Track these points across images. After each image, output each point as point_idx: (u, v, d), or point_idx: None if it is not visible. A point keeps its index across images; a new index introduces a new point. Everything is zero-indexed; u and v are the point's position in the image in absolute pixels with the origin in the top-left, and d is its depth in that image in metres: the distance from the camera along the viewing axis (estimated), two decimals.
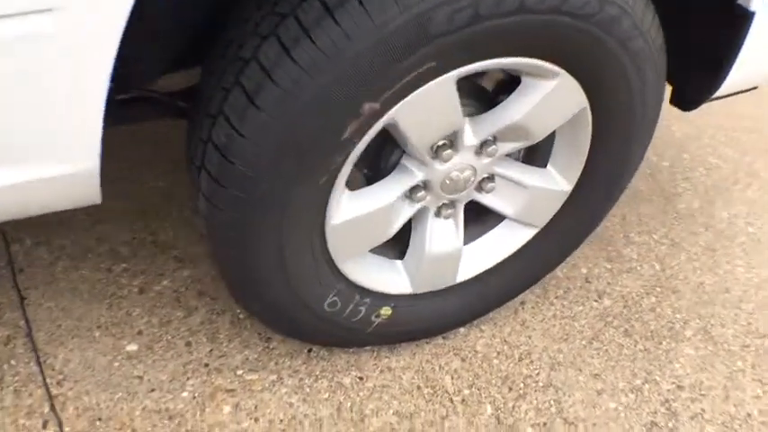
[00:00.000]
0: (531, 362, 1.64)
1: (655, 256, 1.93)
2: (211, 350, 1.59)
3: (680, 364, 1.68)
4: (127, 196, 1.92)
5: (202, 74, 1.22)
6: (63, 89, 0.97)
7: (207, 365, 1.56)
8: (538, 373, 1.62)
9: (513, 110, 1.30)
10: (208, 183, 1.16)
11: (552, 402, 1.57)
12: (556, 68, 1.24)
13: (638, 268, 1.90)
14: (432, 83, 1.14)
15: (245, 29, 1.12)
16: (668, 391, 1.63)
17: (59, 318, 1.63)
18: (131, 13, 0.92)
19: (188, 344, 1.60)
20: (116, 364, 1.55)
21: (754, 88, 1.64)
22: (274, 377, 1.55)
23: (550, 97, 1.29)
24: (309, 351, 1.60)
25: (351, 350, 1.60)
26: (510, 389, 1.59)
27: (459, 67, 1.14)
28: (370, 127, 1.15)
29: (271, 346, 1.60)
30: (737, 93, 1.60)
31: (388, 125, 1.18)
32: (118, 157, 2.02)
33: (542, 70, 1.24)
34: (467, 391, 1.57)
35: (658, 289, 1.85)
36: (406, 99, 1.14)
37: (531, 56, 1.19)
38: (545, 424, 1.53)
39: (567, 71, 1.26)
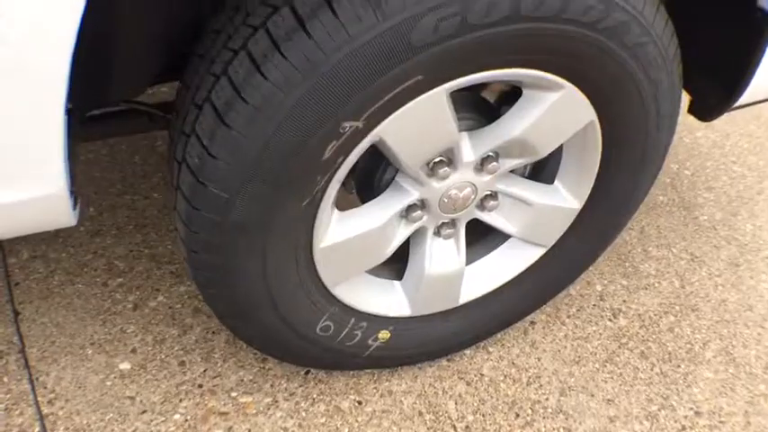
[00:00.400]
0: (540, 386, 1.52)
1: (674, 272, 1.78)
2: (205, 370, 1.50)
3: (699, 389, 1.54)
4: (125, 209, 1.84)
5: (179, 88, 1.12)
6: (15, 114, 0.88)
7: (201, 386, 1.47)
8: (547, 399, 1.49)
9: (514, 124, 1.18)
10: (183, 205, 1.06)
11: (561, 430, 1.44)
12: (559, 80, 1.11)
13: (657, 285, 1.75)
14: (421, 97, 1.02)
15: (216, 42, 1.02)
16: (685, 417, 1.49)
17: (53, 334, 1.55)
18: (83, 31, 0.82)
19: (182, 363, 1.51)
20: (108, 383, 1.47)
21: None
22: (269, 400, 1.45)
23: (554, 110, 1.16)
24: (307, 373, 1.49)
25: (350, 372, 1.49)
26: (517, 415, 1.46)
27: (450, 80, 1.02)
28: (354, 145, 1.04)
29: (267, 367, 1.50)
30: (762, 101, 1.45)
31: (375, 143, 1.07)
32: (115, 170, 1.96)
33: (545, 82, 1.11)
34: (471, 418, 1.45)
35: (677, 307, 1.70)
36: (392, 115, 1.02)
37: (530, 67, 1.07)
38: None
39: (572, 83, 1.13)
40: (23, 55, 0.81)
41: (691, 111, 1.43)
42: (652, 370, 1.57)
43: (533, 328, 1.63)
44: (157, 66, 1.14)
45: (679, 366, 1.58)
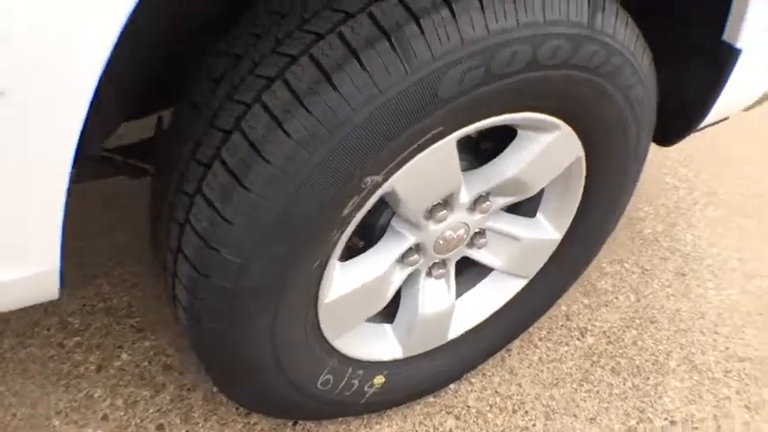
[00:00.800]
0: (526, 412, 1.50)
1: (629, 287, 1.82)
2: None
3: (669, 398, 1.58)
4: (70, 257, 1.67)
5: (168, 138, 1.01)
6: (15, 189, 0.76)
7: None
8: (534, 424, 1.48)
9: (510, 165, 1.15)
10: (187, 271, 0.96)
11: None
12: (557, 121, 1.10)
13: (615, 300, 1.78)
14: (434, 146, 0.97)
15: (217, 92, 0.92)
16: (662, 428, 1.52)
17: (13, 405, 1.38)
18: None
19: (160, 427, 1.38)
20: None
21: (726, 119, 1.55)
22: None
23: (549, 150, 1.14)
24: (295, 424, 1.40)
25: (339, 419, 1.42)
26: None
27: (464, 127, 0.98)
28: (369, 198, 0.97)
29: (252, 422, 1.40)
30: (711, 125, 1.51)
31: (384, 194, 1.01)
32: None
33: (543, 123, 1.09)
34: None
35: (637, 321, 1.74)
36: (407, 165, 0.97)
37: (534, 110, 1.04)
38: None
39: (567, 123, 1.12)
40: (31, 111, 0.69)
41: (653, 138, 1.46)
42: (624, 384, 1.59)
43: (509, 355, 1.61)
44: (133, 107, 1.03)
45: (648, 378, 1.61)
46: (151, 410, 1.41)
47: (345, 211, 0.94)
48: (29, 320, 1.54)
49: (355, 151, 0.87)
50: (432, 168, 1.00)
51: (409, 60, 0.84)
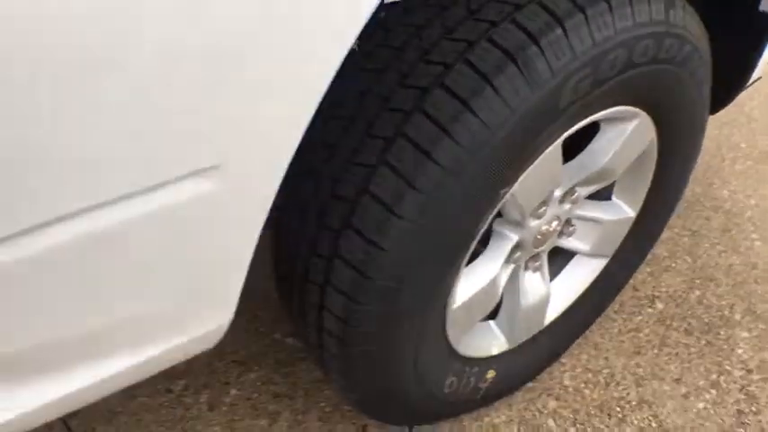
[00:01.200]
0: (618, 383, 1.62)
1: (683, 250, 1.95)
2: None
3: (742, 349, 1.71)
4: None
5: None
6: (215, 254, 0.84)
7: None
8: (628, 393, 1.59)
9: (598, 157, 1.25)
10: (341, 302, 1.04)
11: (651, 418, 1.55)
12: (638, 110, 1.21)
13: (674, 265, 1.91)
14: (548, 149, 1.07)
15: (350, 130, 1.00)
16: (741, 377, 1.65)
17: None
18: None
19: None
20: None
21: (759, 79, 1.68)
22: None
23: (629, 138, 1.25)
24: (411, 429, 1.50)
25: (451, 419, 1.52)
26: (609, 415, 1.55)
27: (570, 129, 1.08)
28: (495, 210, 1.07)
29: None
30: (750, 85, 1.63)
31: (505, 200, 1.11)
32: None
33: (626, 114, 1.20)
34: (572, 429, 1.52)
35: (697, 281, 1.87)
36: (527, 172, 1.07)
37: (623, 104, 1.15)
38: None
39: (646, 111, 1.23)
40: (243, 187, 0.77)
41: None
42: (699, 343, 1.72)
43: (590, 331, 1.72)
44: None
45: (719, 333, 1.74)
46: None
47: (480, 225, 1.04)
48: None
49: (496, 168, 0.96)
50: (544, 170, 1.10)
51: (532, 79, 0.94)
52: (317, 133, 1.03)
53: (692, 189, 2.15)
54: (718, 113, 1.64)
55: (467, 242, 1.05)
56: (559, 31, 0.95)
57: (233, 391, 1.58)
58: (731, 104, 1.62)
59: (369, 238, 0.98)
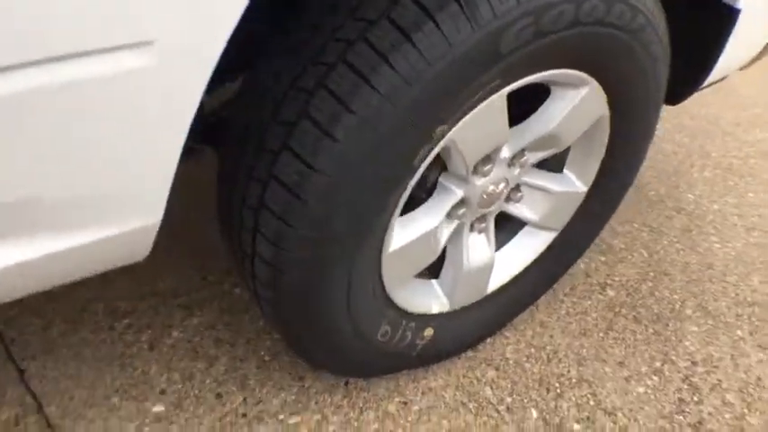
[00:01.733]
0: (560, 360, 1.67)
1: (640, 244, 2.01)
2: (245, 398, 1.50)
3: (689, 342, 1.76)
4: None
5: (242, 106, 1.14)
6: (140, 138, 0.88)
7: (245, 415, 1.47)
8: (568, 371, 1.64)
9: (547, 120, 1.31)
10: (274, 224, 1.09)
11: (589, 396, 1.60)
12: (588, 77, 1.27)
13: (629, 257, 1.97)
14: (491, 98, 1.13)
15: (299, 56, 1.06)
16: (685, 368, 1.70)
17: (69, 388, 1.49)
18: None
19: (218, 396, 1.51)
20: (146, 429, 1.43)
21: (723, 78, 1.74)
22: (318, 416, 1.49)
23: (580, 105, 1.31)
24: (347, 384, 1.54)
25: (388, 376, 1.56)
26: (548, 390, 1.60)
27: (514, 82, 1.14)
28: (432, 149, 1.13)
29: (306, 385, 1.54)
30: (710, 84, 1.70)
31: (445, 146, 1.16)
32: None
33: (578, 80, 1.26)
34: (509, 399, 1.57)
35: (651, 274, 1.93)
36: (467, 117, 1.12)
37: (573, 67, 1.21)
38: (588, 418, 1.55)
39: (596, 79, 1.29)
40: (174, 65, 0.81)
41: None
42: (647, 331, 1.77)
43: (538, 309, 1.78)
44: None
45: (668, 325, 1.79)
46: (208, 381, 1.53)
47: (416, 161, 1.09)
48: (76, 306, 1.65)
49: (431, 101, 1.02)
50: (487, 121, 1.16)
51: (475, 18, 1.00)
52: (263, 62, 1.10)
53: (657, 189, 2.22)
54: (691, 125, 1.70)
55: (401, 177, 1.10)
56: None
57: (175, 333, 1.62)
58: (710, 116, 1.68)
59: (304, 160, 1.03)
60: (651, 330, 1.77)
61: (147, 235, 1.02)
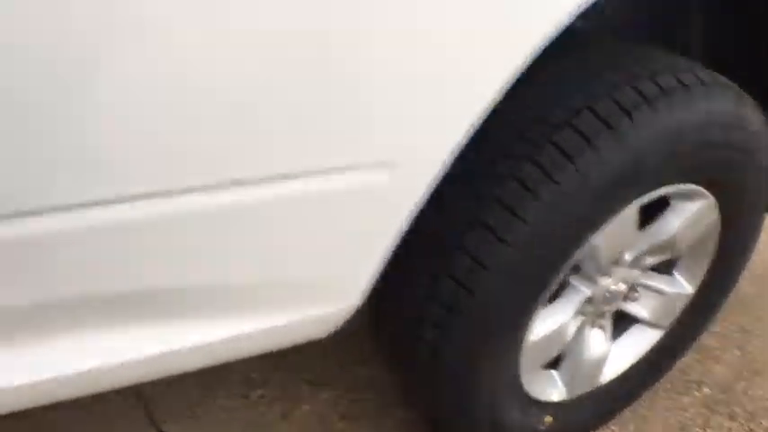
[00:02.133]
0: None
1: (733, 344, 2.14)
2: None
3: None
4: None
5: None
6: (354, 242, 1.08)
7: None
8: None
9: (667, 228, 1.49)
10: (438, 312, 1.28)
11: None
12: (707, 192, 1.46)
13: (722, 356, 2.10)
14: (628, 209, 1.32)
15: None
16: None
17: None
18: None
19: None
20: None
21: None
22: None
23: (696, 217, 1.49)
24: None
25: None
26: None
27: (649, 193, 1.34)
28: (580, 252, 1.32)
29: None
30: None
31: (590, 249, 1.35)
32: None
33: (697, 194, 1.45)
34: None
35: (745, 373, 2.05)
36: (608, 226, 1.32)
37: (698, 183, 1.41)
38: None
39: (712, 193, 1.47)
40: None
41: None
42: (742, 428, 1.88)
43: (639, 405, 1.90)
44: None
45: (761, 423, 1.91)
46: None
47: (566, 264, 1.28)
48: (212, 374, 1.83)
49: (590, 212, 1.22)
50: (623, 228, 1.35)
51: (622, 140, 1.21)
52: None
53: (748, 290, 2.35)
54: None
55: (551, 277, 1.29)
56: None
57: (305, 407, 1.79)
58: None
59: (476, 259, 1.23)
60: (746, 428, 1.89)
61: (338, 315, 1.21)
